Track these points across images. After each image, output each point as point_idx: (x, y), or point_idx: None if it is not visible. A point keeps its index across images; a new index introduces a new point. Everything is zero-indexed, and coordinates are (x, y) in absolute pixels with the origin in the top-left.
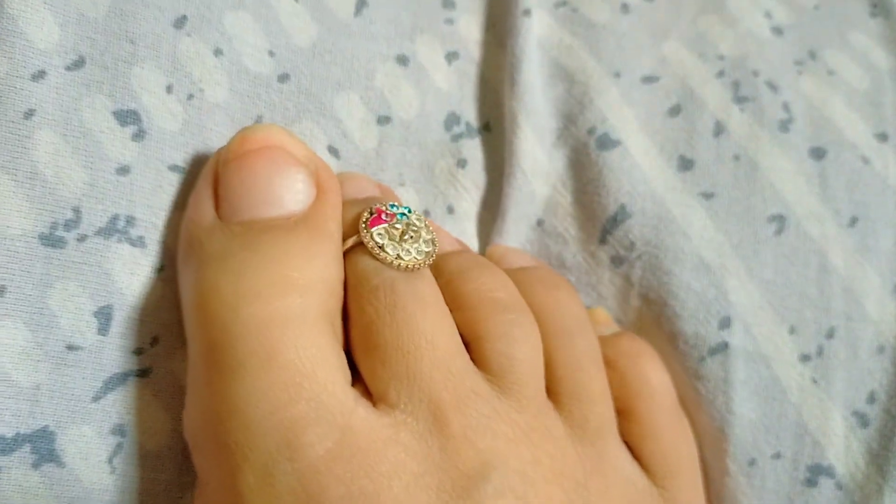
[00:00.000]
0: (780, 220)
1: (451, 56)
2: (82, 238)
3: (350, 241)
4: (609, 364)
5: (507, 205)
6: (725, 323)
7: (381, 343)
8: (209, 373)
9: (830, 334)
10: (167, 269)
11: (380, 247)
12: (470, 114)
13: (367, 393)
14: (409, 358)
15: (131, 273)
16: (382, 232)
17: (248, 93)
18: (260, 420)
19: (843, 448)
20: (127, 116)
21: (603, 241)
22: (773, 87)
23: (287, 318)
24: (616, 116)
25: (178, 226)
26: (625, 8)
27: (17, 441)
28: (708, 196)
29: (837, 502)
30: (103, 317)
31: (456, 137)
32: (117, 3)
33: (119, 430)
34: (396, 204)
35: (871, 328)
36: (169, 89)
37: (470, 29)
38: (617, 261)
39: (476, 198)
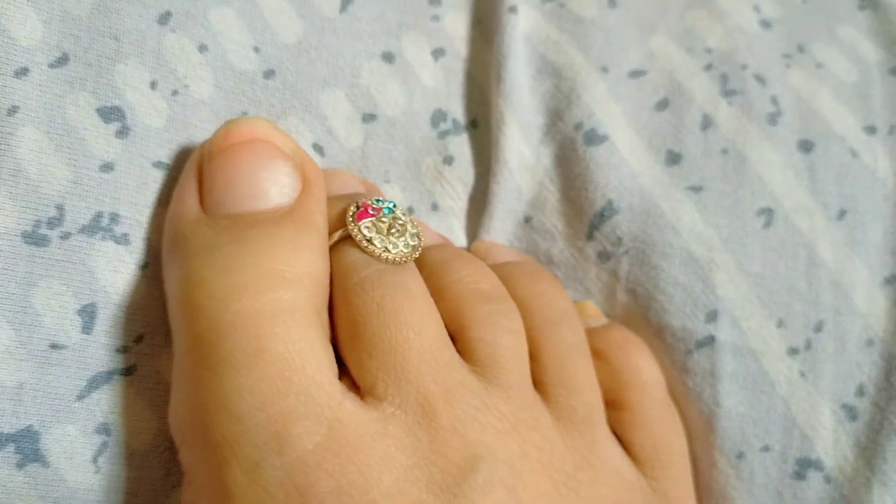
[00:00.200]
0: (768, 214)
1: (438, 53)
2: (66, 236)
3: (337, 235)
4: (599, 355)
5: (493, 201)
6: (712, 316)
7: (368, 335)
8: (196, 367)
9: (819, 328)
10: (151, 267)
11: (368, 240)
12: (457, 110)
13: (355, 386)
14: (396, 350)
15: (115, 271)
16: (370, 225)
17: (233, 89)
18: (248, 414)
19: (831, 441)
20: (111, 113)
21: (590, 236)
22: (761, 80)
23: (276, 312)
24: (603, 111)
25: (163, 223)
26: (612, 3)
27: (0, 441)
28: (696, 190)
29: (826, 495)
30: (87, 315)
31: (442, 134)
32: (101, 0)
33: (104, 429)
34: (381, 199)
35: (860, 321)
36: (153, 86)
37: (456, 26)
38: (604, 256)
39: (463, 195)
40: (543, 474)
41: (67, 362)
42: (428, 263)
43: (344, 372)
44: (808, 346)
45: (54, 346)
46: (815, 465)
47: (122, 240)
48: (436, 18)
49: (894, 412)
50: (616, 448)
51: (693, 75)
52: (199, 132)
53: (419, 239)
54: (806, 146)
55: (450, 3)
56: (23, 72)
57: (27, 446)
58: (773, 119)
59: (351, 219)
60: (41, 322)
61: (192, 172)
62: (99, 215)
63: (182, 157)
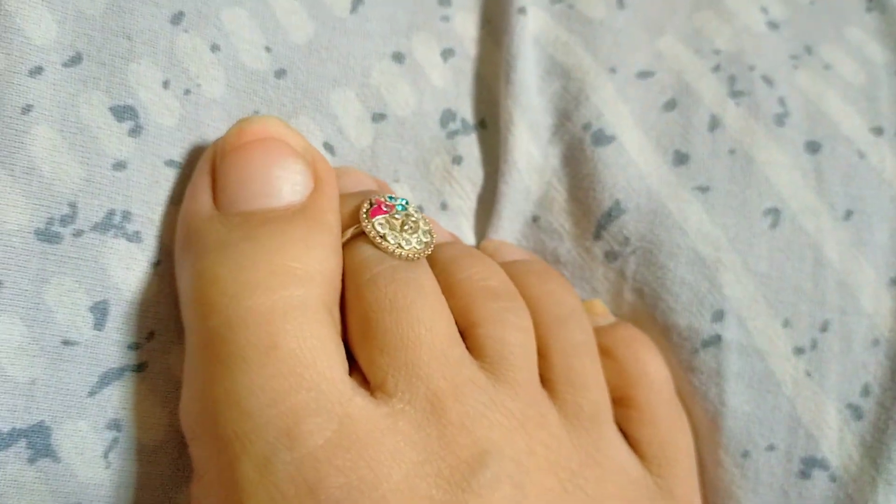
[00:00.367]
0: (775, 214)
1: (447, 53)
2: (78, 233)
3: (350, 231)
4: (607, 353)
5: (502, 201)
6: (719, 316)
7: (380, 331)
8: (208, 363)
9: (825, 327)
10: (163, 264)
11: (381, 236)
12: (466, 111)
13: (365, 382)
14: (408, 346)
15: (127, 268)
16: (384, 222)
17: (245, 88)
18: (260, 410)
19: (836, 441)
20: (124, 112)
21: (597, 236)
22: (768, 81)
23: (288, 309)
24: (611, 112)
25: (175, 221)
26: (620, 4)
27: (12, 436)
28: (704, 190)
29: (831, 494)
30: (99, 312)
31: (452, 134)
32: (115, 0)
33: (115, 425)
34: (394, 196)
35: (866, 321)
36: (166, 85)
37: (465, 26)
38: (611, 256)
39: (471, 194)
40: (550, 471)
41: (79, 358)
42: (439, 260)
43: (354, 367)
44: (814, 345)
45: (66, 343)
46: (821, 464)
47: (134, 237)
48: (445, 19)
49: None
50: (622, 446)
51: (701, 76)
52: (211, 131)
53: (431, 236)
54: (813, 147)
55: (459, 3)
56: (37, 71)
57: (39, 442)
58: (781, 120)
59: (364, 215)
60: (53, 318)
61: (205, 170)
62: (111, 213)
63: (194, 155)
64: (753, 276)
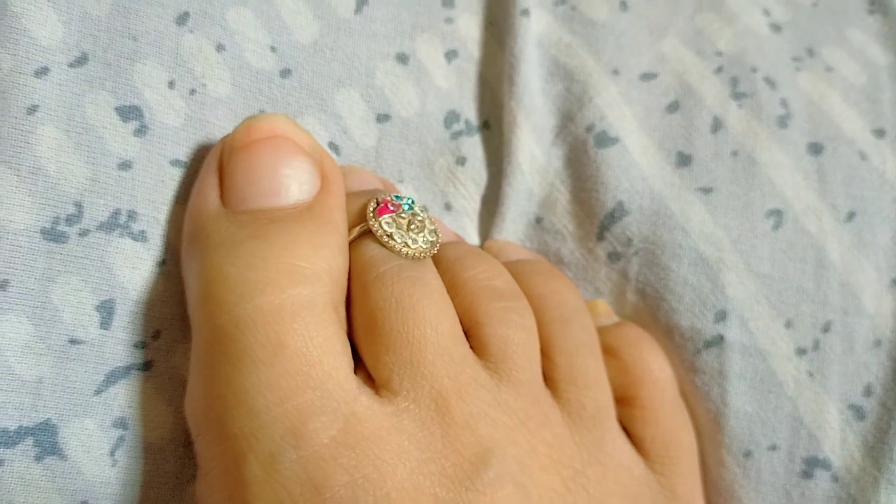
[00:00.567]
0: (777, 215)
1: (451, 55)
2: (84, 233)
3: (357, 230)
4: (610, 352)
5: (505, 202)
6: (721, 316)
7: (385, 329)
8: (215, 361)
9: (827, 328)
10: (169, 264)
11: (388, 235)
12: (469, 112)
13: (370, 379)
14: (413, 345)
15: (133, 267)
16: (390, 221)
17: (250, 88)
18: (267, 409)
19: (838, 441)
20: (129, 112)
21: (600, 237)
22: (771, 83)
23: (296, 308)
24: (614, 114)
25: (180, 220)
26: (623, 6)
27: (19, 434)
28: (706, 191)
29: (833, 494)
30: (105, 311)
31: (455, 135)
32: (120, 1)
33: (121, 424)
34: (400, 195)
35: (868, 322)
36: (171, 85)
37: (469, 28)
38: (614, 257)
39: (475, 195)
40: (552, 470)
41: (86, 357)
42: (443, 260)
43: (359, 365)
44: (816, 346)
45: (73, 342)
46: (823, 464)
47: (140, 237)
48: (449, 21)
49: None
50: (626, 445)
51: (703, 78)
52: (217, 131)
53: (437, 235)
54: (815, 149)
55: (463, 5)
56: (43, 71)
57: (45, 440)
58: (783, 122)
59: (371, 214)
60: (60, 317)
61: (212, 168)
62: (117, 213)
63: (199, 155)
64: (756, 277)
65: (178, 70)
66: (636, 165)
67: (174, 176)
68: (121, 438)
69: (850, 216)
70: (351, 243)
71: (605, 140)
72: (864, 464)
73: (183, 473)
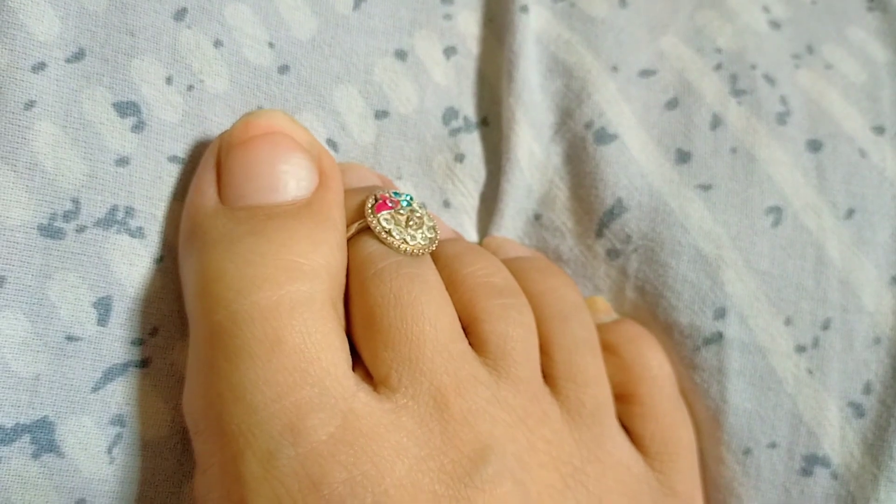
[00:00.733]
0: (777, 212)
1: (450, 51)
2: (81, 229)
3: (355, 226)
4: (610, 349)
5: (504, 199)
6: (720, 313)
7: (384, 326)
8: (213, 357)
9: (826, 325)
10: (166, 260)
11: (387, 231)
12: (468, 108)
13: (368, 376)
14: (412, 342)
15: (130, 264)
16: (389, 217)
17: (249, 84)
18: (265, 405)
19: (838, 438)
20: (127, 108)
21: (599, 234)
22: (770, 80)
23: (294, 305)
24: (613, 110)
25: (178, 217)
26: (622, 2)
27: (16, 431)
28: (706, 188)
29: (832, 492)
30: (103, 307)
31: (454, 132)
32: None
33: (118, 421)
34: (399, 192)
35: (867, 319)
36: (169, 81)
37: (468, 24)
38: (613, 254)
39: (474, 192)
40: (551, 467)
41: (83, 354)
42: (442, 256)
43: (357, 362)
44: (816, 343)
45: (70, 338)
46: (822, 461)
47: (137, 233)
48: (448, 17)
49: None
50: (625, 442)
51: (703, 75)
52: (215, 127)
53: (436, 232)
54: (815, 146)
55: (462, 1)
56: (40, 66)
57: (42, 437)
58: (782, 119)
59: (370, 210)
60: (57, 314)
61: (210, 164)
62: (114, 209)
63: (197, 151)
64: (755, 274)
65: (176, 66)
66: (635, 162)
67: (172, 172)
68: (118, 436)
69: (850, 213)
70: (349, 240)
71: (604, 137)
72: (863, 461)
73: (181, 471)
